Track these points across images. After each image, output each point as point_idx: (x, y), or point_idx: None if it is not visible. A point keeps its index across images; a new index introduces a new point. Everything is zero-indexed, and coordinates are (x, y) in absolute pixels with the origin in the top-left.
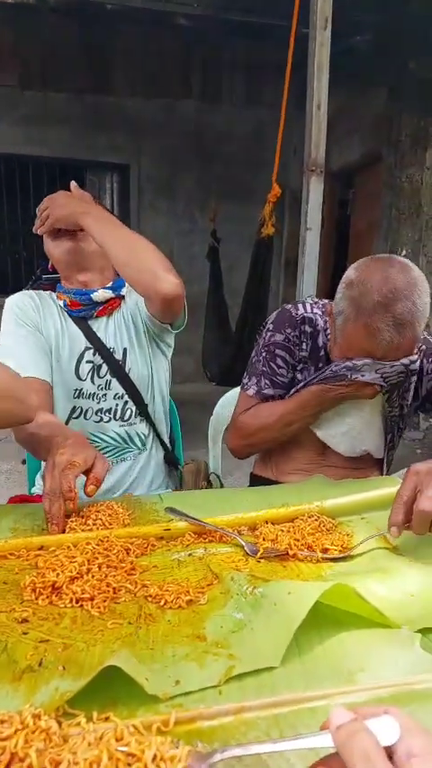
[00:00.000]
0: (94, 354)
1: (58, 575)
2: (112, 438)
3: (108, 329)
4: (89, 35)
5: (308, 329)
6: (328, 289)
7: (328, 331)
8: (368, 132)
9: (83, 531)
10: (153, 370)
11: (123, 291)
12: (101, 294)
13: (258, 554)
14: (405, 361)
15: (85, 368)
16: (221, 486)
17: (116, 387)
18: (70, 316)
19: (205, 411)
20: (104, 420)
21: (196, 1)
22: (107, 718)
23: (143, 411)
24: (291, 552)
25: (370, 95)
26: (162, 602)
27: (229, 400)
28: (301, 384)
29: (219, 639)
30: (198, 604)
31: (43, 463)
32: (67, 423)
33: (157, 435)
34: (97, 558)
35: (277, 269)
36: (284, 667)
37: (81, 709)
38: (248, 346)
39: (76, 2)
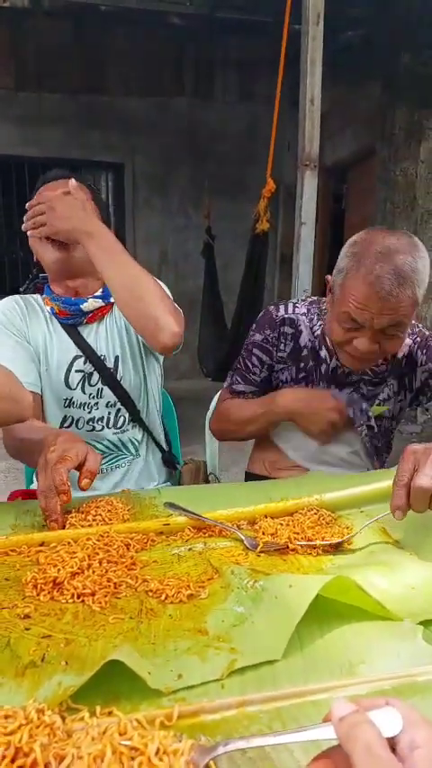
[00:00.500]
0: (84, 363)
1: (59, 570)
2: (105, 446)
3: (99, 336)
4: (83, 35)
5: (288, 330)
6: (323, 284)
7: (317, 324)
8: (362, 126)
9: (83, 526)
10: (146, 375)
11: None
12: (90, 304)
13: (258, 548)
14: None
15: (75, 377)
16: None
17: (108, 395)
18: (59, 322)
19: (202, 407)
20: (97, 429)
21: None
22: (110, 713)
23: (136, 417)
24: (290, 546)
25: (363, 90)
26: (163, 597)
27: None
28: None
29: (220, 633)
30: (199, 599)
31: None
32: None
33: (153, 438)
34: (98, 554)
35: (272, 265)
36: (286, 660)
37: (84, 703)
38: (244, 342)
39: (70, 5)
